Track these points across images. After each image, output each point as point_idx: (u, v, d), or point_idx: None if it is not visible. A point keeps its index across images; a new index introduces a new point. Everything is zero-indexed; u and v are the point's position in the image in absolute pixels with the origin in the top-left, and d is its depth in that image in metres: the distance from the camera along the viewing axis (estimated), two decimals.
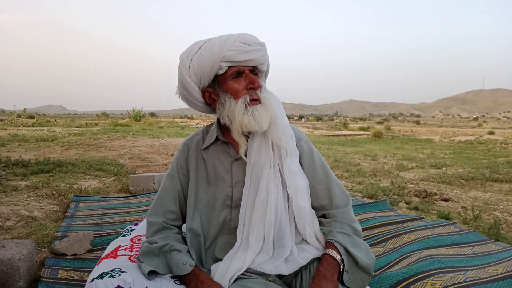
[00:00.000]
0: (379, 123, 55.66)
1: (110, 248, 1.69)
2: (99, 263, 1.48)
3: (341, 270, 1.30)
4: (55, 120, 25.75)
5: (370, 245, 2.45)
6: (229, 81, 1.40)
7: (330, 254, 1.32)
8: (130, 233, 1.85)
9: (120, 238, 1.81)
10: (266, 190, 1.40)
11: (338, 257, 1.31)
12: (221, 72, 1.40)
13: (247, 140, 1.45)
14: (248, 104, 1.38)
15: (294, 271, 1.37)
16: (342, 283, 1.29)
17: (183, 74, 1.44)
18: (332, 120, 72.01)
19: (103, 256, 1.59)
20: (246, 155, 1.45)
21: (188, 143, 1.58)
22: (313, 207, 1.48)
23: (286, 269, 1.38)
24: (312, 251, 1.40)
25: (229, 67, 1.39)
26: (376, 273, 2.04)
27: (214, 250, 1.48)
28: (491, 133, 22.95)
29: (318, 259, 1.36)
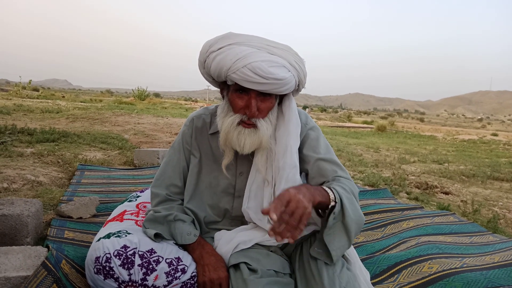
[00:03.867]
0: (383, 118, 55.42)
1: (116, 212, 1.71)
2: (105, 225, 1.51)
3: (329, 208, 1.21)
4: (62, 95, 25.69)
5: (369, 230, 2.48)
6: (233, 93, 1.35)
7: (325, 188, 1.23)
8: (136, 199, 1.87)
9: (126, 203, 1.83)
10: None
11: (331, 195, 1.21)
12: (228, 83, 1.35)
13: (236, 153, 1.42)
14: (238, 124, 1.35)
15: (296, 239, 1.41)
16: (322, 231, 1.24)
17: (198, 64, 1.43)
18: (336, 112, 71.74)
19: (109, 219, 1.62)
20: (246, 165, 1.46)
21: (195, 120, 1.54)
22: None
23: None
24: (315, 225, 1.43)
25: (235, 82, 1.32)
26: (374, 254, 2.07)
27: (210, 231, 1.50)
28: (495, 135, 22.84)
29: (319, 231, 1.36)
